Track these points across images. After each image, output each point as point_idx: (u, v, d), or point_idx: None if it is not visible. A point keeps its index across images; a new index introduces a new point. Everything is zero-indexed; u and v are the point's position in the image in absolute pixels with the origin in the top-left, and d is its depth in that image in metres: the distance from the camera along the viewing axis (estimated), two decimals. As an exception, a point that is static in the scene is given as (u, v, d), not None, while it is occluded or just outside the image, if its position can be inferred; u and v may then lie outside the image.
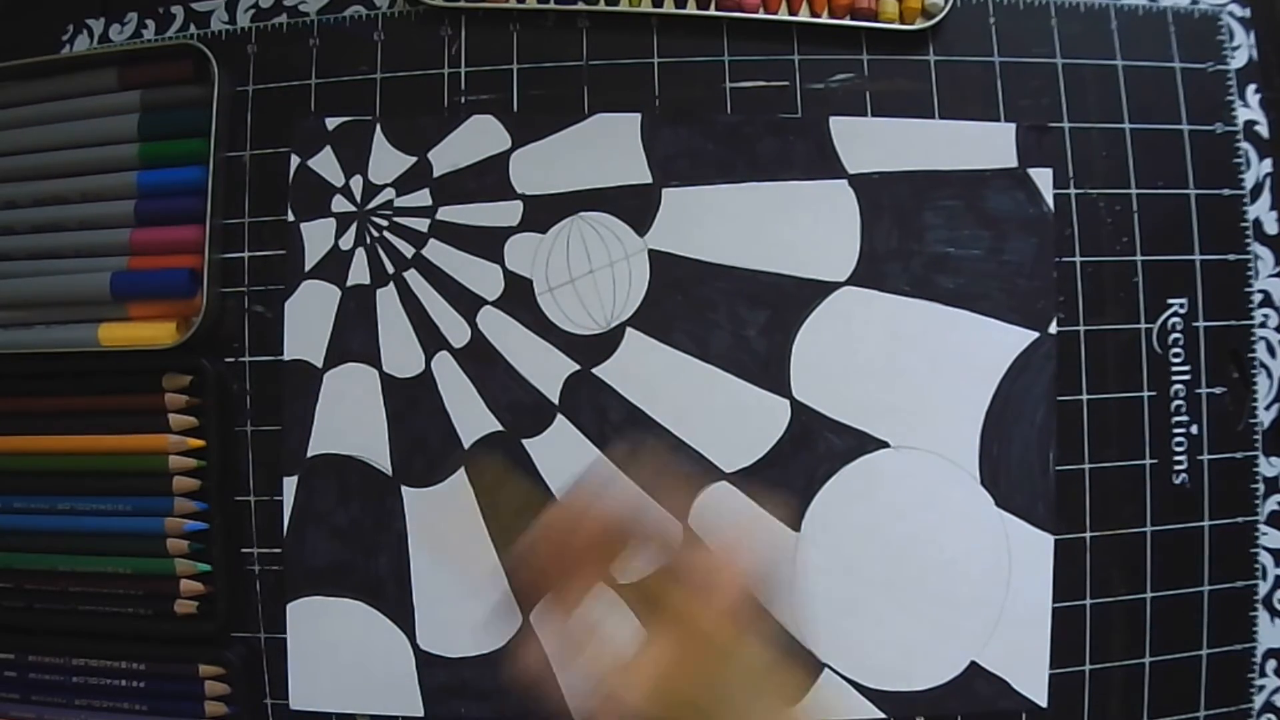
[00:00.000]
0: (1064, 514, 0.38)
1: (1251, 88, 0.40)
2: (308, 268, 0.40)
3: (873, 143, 0.39)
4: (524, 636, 0.38)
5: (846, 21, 0.40)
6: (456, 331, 0.40)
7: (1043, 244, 0.39)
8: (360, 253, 0.40)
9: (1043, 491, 0.38)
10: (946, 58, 0.40)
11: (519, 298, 0.40)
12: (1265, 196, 0.40)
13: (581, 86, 0.40)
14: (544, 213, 0.40)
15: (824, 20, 0.40)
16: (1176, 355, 0.39)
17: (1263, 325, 0.40)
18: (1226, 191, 0.40)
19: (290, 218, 0.41)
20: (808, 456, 0.38)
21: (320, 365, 0.40)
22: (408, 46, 0.41)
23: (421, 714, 0.39)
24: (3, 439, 0.40)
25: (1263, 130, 0.40)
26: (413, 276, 0.40)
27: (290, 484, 0.40)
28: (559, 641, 0.27)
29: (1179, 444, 0.39)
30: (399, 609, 0.39)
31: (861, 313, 0.39)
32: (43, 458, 0.40)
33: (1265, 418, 0.40)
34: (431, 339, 0.40)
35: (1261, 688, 0.39)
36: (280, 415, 0.40)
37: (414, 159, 0.40)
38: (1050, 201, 0.39)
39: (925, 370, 0.39)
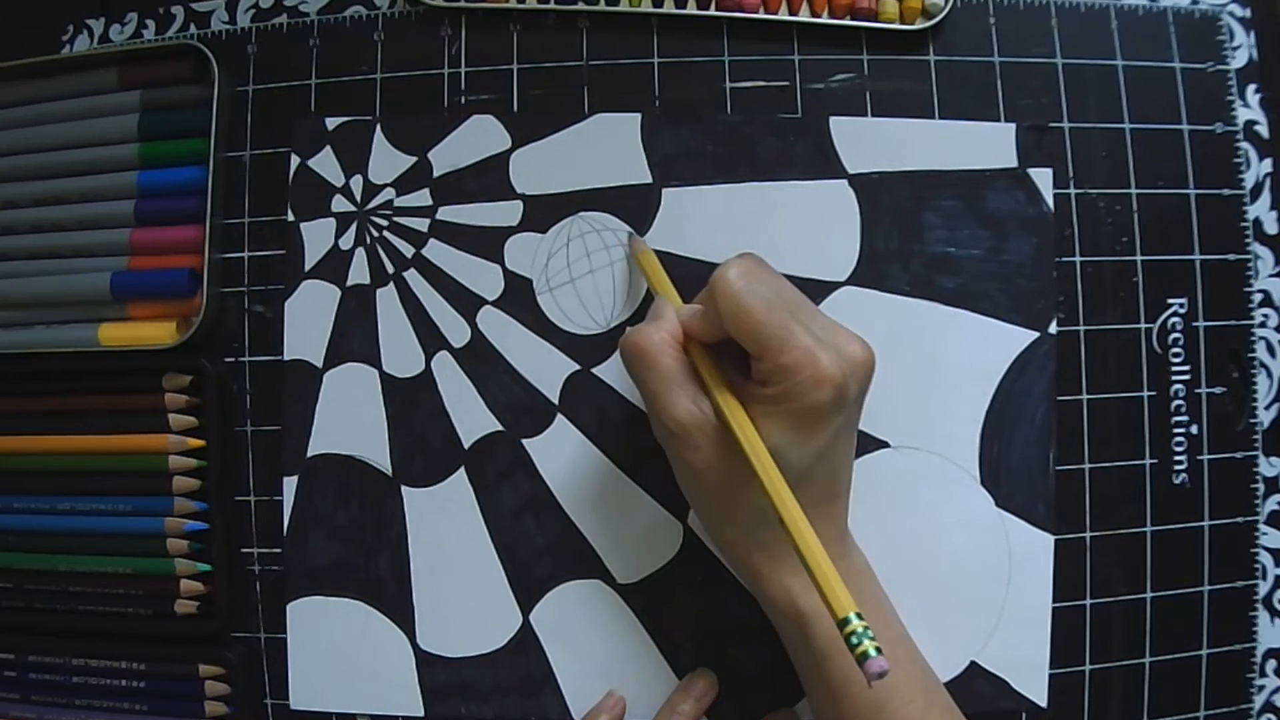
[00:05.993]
0: (1064, 514, 0.38)
1: (1251, 88, 0.40)
2: (308, 268, 0.40)
3: (873, 143, 0.39)
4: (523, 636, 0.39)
5: (846, 21, 0.40)
6: (456, 331, 0.40)
7: (1043, 244, 0.39)
8: (360, 252, 0.40)
9: (1043, 491, 0.38)
10: (946, 58, 0.40)
11: (519, 298, 0.40)
12: (1265, 196, 0.40)
13: (581, 86, 0.40)
14: (544, 213, 0.40)
15: (824, 20, 0.40)
16: (1176, 355, 0.39)
17: (1263, 325, 0.40)
18: (1226, 191, 0.40)
19: (290, 218, 0.41)
20: (808, 456, 0.38)
21: (320, 365, 0.40)
22: (408, 46, 0.41)
23: (421, 714, 0.39)
24: (3, 439, 0.40)
25: (1263, 130, 0.40)
26: (413, 276, 0.40)
27: (290, 484, 0.40)
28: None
29: (1179, 444, 0.39)
30: (399, 609, 0.39)
31: (862, 313, 0.39)
32: (43, 458, 0.40)
33: (1265, 418, 0.40)
34: (431, 339, 0.40)
35: (1261, 688, 0.39)
36: (280, 415, 0.40)
37: (414, 159, 0.40)
38: (1050, 201, 0.39)
39: (925, 370, 0.39)
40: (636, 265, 0.38)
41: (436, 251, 0.40)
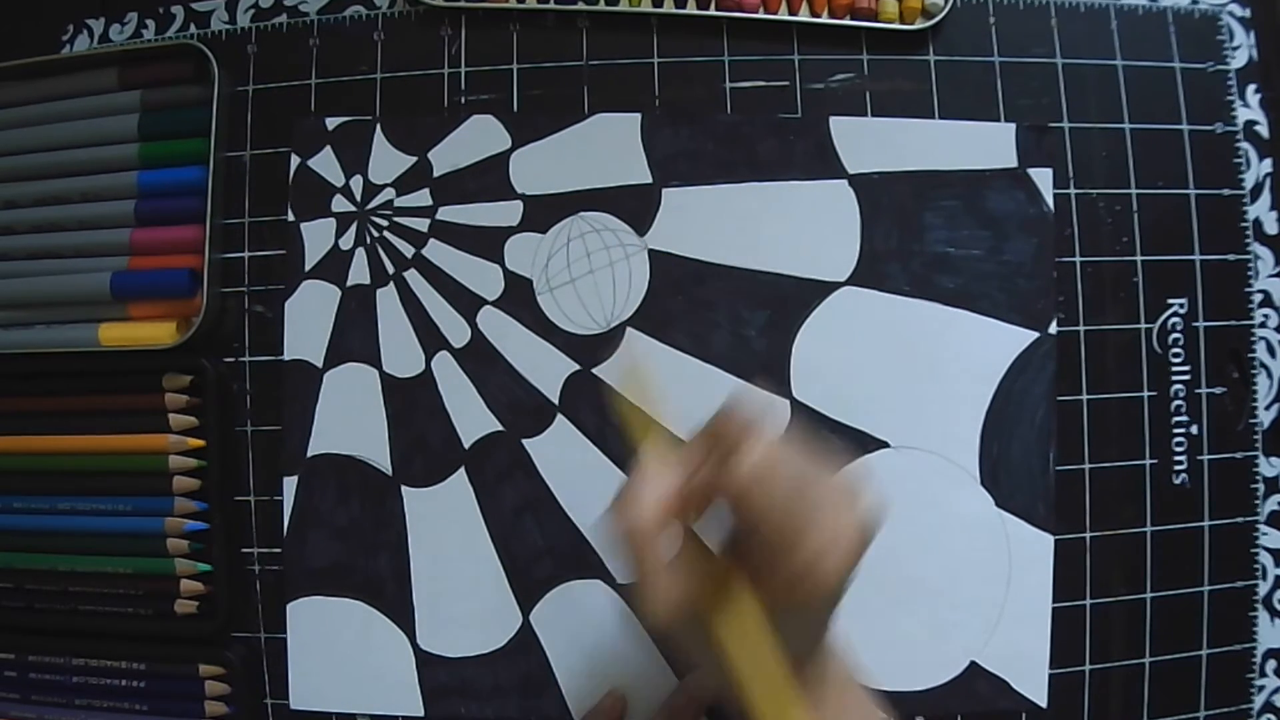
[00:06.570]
0: (1064, 514, 0.38)
1: (1251, 88, 0.40)
2: (308, 268, 0.40)
3: (873, 143, 0.39)
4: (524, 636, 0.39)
5: (846, 21, 0.40)
6: (456, 331, 0.40)
7: (1043, 244, 0.39)
8: (360, 252, 0.40)
9: (1043, 491, 0.38)
10: (946, 58, 0.40)
11: (519, 298, 0.40)
12: (1265, 196, 0.40)
13: (581, 86, 0.40)
14: (544, 213, 0.40)
15: (824, 20, 0.40)
16: (1176, 355, 0.39)
17: (1263, 325, 0.40)
18: (1226, 191, 0.40)
19: (290, 218, 0.41)
20: (808, 456, 0.38)
21: (320, 365, 0.40)
22: (408, 46, 0.41)
23: (421, 714, 0.39)
24: (3, 439, 0.40)
25: (1263, 130, 0.40)
26: (413, 276, 0.40)
27: (290, 484, 0.40)
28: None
29: (1179, 444, 0.39)
30: (399, 609, 0.39)
31: (862, 313, 0.39)
32: (43, 458, 0.40)
33: (1265, 418, 0.40)
34: (431, 339, 0.40)
35: (1261, 688, 0.39)
36: (280, 415, 0.40)
37: (414, 159, 0.40)
38: (1050, 201, 0.39)
39: (925, 370, 0.39)
40: (626, 389, 0.35)
41: (436, 251, 0.40)
